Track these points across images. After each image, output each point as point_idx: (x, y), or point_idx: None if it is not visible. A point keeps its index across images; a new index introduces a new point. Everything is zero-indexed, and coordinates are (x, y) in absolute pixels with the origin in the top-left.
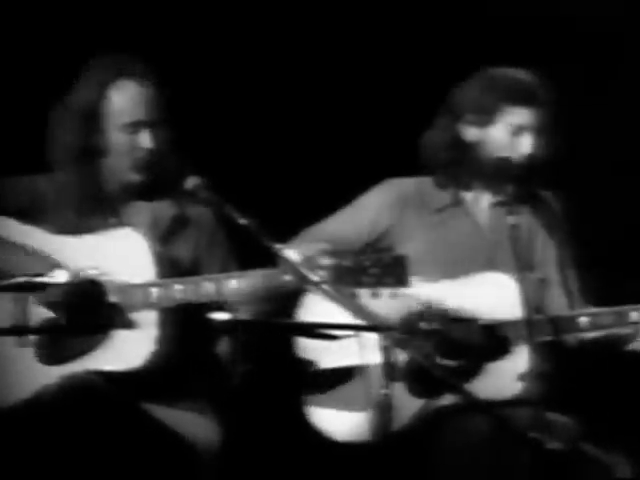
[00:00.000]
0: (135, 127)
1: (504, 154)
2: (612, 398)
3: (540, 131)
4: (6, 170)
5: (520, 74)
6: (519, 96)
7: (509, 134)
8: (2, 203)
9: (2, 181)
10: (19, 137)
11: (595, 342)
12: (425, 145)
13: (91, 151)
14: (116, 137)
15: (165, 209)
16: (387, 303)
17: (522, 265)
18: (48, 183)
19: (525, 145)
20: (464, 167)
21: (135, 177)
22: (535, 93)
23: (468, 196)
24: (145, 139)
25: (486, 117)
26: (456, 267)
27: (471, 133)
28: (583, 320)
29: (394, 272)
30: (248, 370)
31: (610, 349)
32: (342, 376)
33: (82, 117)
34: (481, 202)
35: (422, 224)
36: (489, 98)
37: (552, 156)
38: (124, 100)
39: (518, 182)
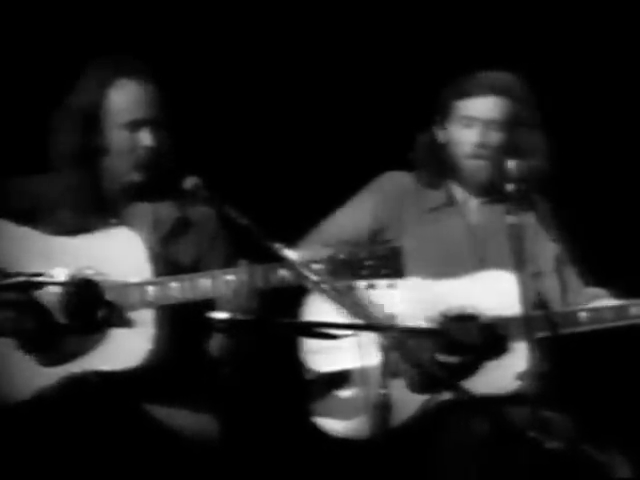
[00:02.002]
0: (136, 126)
1: (463, 149)
2: (611, 397)
3: (493, 122)
4: (6, 171)
5: (480, 72)
6: (466, 88)
7: (461, 128)
8: (1, 204)
9: (2, 182)
10: (19, 139)
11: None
12: (413, 151)
13: (92, 151)
14: (117, 136)
15: (166, 211)
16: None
17: (520, 263)
18: (48, 184)
19: (473, 135)
20: (440, 168)
21: (135, 176)
22: (483, 84)
23: (460, 196)
24: (146, 138)
25: (445, 117)
26: (448, 265)
27: (440, 135)
28: (583, 315)
29: (390, 264)
30: (244, 368)
31: None
32: (342, 379)
33: (83, 117)
34: (471, 201)
35: (417, 221)
36: (445, 97)
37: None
38: (124, 99)
39: (470, 175)
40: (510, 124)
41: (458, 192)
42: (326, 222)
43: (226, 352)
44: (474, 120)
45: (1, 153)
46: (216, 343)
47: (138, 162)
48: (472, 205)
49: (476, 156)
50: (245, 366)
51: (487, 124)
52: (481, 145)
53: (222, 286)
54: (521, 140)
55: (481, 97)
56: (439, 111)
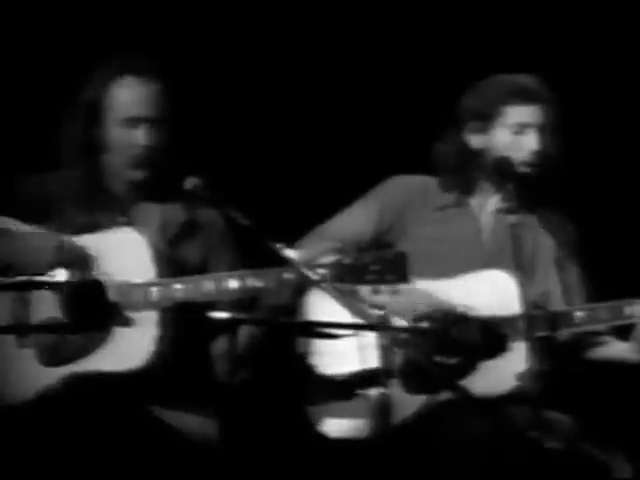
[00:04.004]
0: (133, 122)
1: (518, 156)
2: (611, 397)
3: (544, 128)
4: (13, 169)
5: (518, 76)
6: (516, 95)
7: (512, 134)
8: (9, 202)
9: (9, 180)
10: (26, 137)
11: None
12: (436, 157)
13: (95, 147)
14: (115, 132)
15: (175, 213)
16: (391, 300)
17: (521, 264)
18: (55, 182)
19: (530, 142)
20: (472, 174)
21: (133, 174)
22: (533, 91)
23: (474, 199)
24: (143, 135)
25: (487, 122)
26: (452, 267)
27: (476, 141)
28: (579, 315)
29: (394, 269)
30: (248, 369)
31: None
32: (343, 379)
33: (87, 111)
34: (487, 206)
35: (423, 221)
36: (487, 103)
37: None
38: (126, 96)
39: (524, 182)
40: (552, 130)
41: (477, 196)
42: (332, 220)
43: (228, 353)
44: (529, 127)
45: (9, 151)
46: (218, 344)
47: (134, 160)
48: (487, 210)
49: (533, 164)
50: (247, 366)
51: (541, 130)
52: (538, 152)
53: (227, 289)
54: (551, 145)
55: (534, 104)
56: (475, 117)
